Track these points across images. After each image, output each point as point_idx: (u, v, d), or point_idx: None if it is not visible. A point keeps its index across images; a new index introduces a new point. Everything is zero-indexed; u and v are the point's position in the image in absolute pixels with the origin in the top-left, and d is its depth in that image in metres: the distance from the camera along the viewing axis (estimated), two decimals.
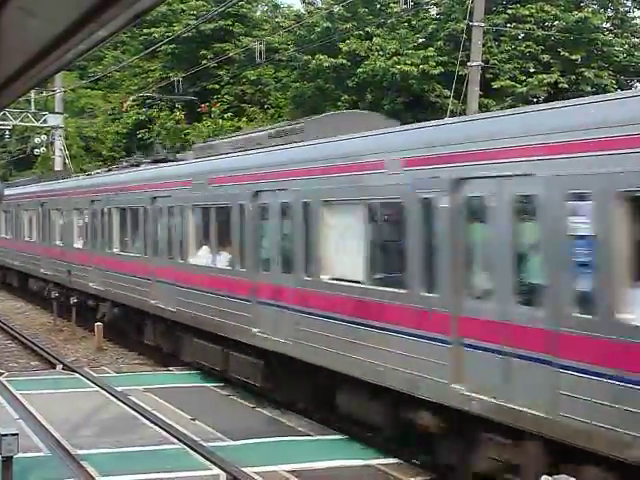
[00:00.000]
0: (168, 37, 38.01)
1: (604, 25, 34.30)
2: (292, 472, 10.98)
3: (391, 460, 11.39)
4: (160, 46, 38.74)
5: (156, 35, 42.08)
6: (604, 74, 32.10)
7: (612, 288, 8.14)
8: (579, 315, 8.39)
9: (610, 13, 35.18)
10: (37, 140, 42.19)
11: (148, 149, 38.24)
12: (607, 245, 8.23)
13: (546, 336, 8.70)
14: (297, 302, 13.07)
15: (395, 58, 32.39)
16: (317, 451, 12.00)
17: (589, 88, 31.14)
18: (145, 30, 43.82)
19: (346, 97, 34.26)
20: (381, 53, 32.88)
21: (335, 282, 12.22)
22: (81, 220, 24.81)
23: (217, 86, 41.21)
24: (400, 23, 34.69)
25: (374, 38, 33.66)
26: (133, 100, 42.87)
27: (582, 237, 8.45)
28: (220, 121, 39.50)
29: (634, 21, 35.16)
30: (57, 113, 40.52)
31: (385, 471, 11.12)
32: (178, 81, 35.36)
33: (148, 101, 43.16)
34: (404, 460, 11.32)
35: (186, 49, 42.54)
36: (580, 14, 31.96)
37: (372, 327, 11.17)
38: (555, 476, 8.28)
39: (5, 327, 25.70)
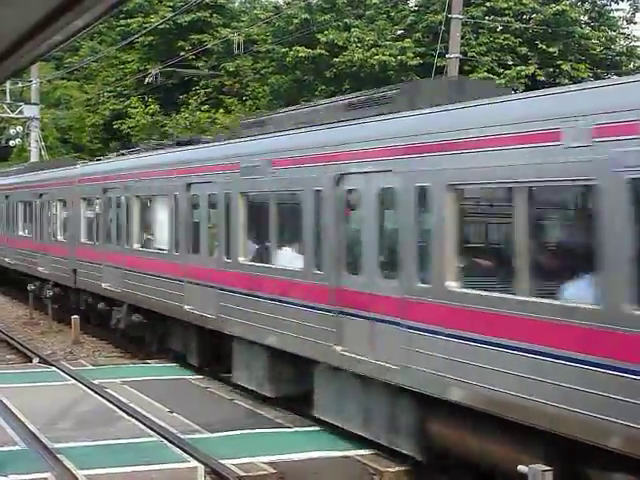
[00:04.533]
0: (145, 28, 37.79)
1: (581, 18, 34.44)
2: (270, 464, 10.96)
3: (369, 451, 11.41)
4: (137, 37, 38.52)
5: (133, 26, 41.83)
6: (581, 67, 32.23)
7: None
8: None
9: (587, 6, 35.33)
10: (12, 131, 41.84)
11: (125, 140, 38.06)
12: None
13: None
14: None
15: (373, 49, 32.40)
16: (295, 443, 12.00)
17: (566, 81, 31.27)
18: (122, 21, 43.54)
19: (323, 88, 34.25)
20: (359, 45, 32.87)
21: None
22: None
23: (195, 77, 41.04)
24: (379, 15, 34.69)
25: (352, 29, 33.64)
26: (109, 91, 42.59)
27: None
28: (198, 113, 39.35)
29: (611, 14, 35.34)
30: (33, 104, 40.21)
31: (363, 462, 11.15)
32: (156, 74, 35.15)
33: (125, 92, 42.94)
34: (382, 451, 11.36)
35: (163, 40, 42.32)
36: (558, 7, 32.09)
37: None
38: (531, 465, 8.35)
39: None
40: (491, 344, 8.86)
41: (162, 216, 17.72)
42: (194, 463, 10.86)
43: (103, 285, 20.66)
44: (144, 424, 12.74)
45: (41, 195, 26.22)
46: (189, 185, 16.26)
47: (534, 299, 8.49)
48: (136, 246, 19.01)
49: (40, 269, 26.08)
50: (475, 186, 9.62)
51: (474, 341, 9.11)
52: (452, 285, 9.49)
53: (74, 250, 23.04)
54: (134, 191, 19.09)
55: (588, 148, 7.93)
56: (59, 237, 24.87)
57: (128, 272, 19.10)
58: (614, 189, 7.68)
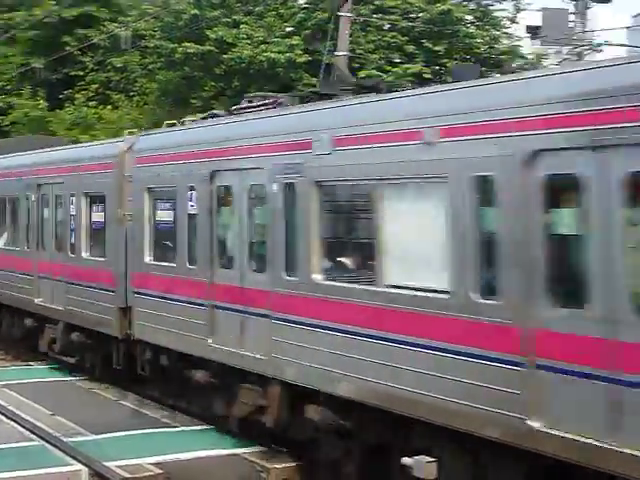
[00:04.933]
0: (28, 22, 36.79)
1: (466, 17, 35.14)
2: (157, 464, 10.83)
3: (256, 448, 11.39)
4: (20, 31, 37.50)
5: (17, 20, 40.68)
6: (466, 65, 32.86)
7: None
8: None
9: (472, 6, 36.07)
10: None
11: (5, 136, 36.94)
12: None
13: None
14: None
15: (262, 46, 32.37)
16: (182, 442, 11.88)
17: (451, 78, 31.80)
18: (5, 15, 42.31)
19: (213, 84, 34.01)
20: (248, 41, 32.79)
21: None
22: None
23: (81, 73, 40.17)
24: (268, 11, 34.64)
25: (241, 26, 33.51)
26: None
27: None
28: (84, 109, 38.50)
29: (495, 14, 36.16)
30: None
31: (251, 460, 11.13)
32: (39, 68, 34.26)
33: (7, 87, 41.73)
34: (269, 448, 11.33)
35: (48, 34, 41.26)
36: (443, 6, 32.65)
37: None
38: (415, 457, 8.43)
39: None
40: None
41: (409, 223, 9.13)
42: (77, 466, 10.67)
43: (210, 342, 12.05)
44: (24, 427, 12.41)
45: (39, 186, 18.11)
46: (535, 153, 7.52)
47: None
48: (316, 278, 10.16)
49: (38, 302, 17.86)
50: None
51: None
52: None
53: (127, 276, 14.68)
54: (310, 173, 10.22)
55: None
56: (84, 253, 16.46)
57: (288, 326, 10.52)
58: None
